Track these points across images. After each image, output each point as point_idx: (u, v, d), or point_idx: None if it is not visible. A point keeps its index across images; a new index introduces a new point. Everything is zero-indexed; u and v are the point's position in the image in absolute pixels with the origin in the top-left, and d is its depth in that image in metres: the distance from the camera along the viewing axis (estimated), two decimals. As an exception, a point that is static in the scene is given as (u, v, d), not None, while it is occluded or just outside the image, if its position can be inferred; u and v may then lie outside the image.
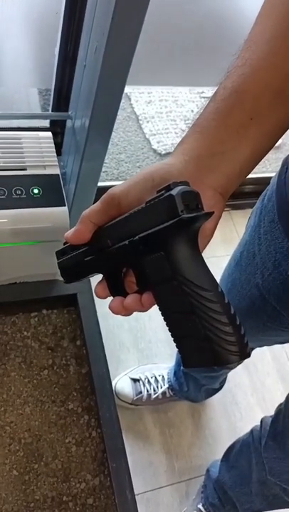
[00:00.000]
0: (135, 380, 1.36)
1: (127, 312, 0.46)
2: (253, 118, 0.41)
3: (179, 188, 0.38)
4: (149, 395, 1.33)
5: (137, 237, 0.42)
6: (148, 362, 1.43)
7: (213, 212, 0.41)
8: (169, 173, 0.42)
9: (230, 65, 0.43)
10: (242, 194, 1.76)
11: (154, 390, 1.33)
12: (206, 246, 0.45)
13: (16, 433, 1.00)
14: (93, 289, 0.51)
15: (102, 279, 0.49)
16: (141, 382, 1.35)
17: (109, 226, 0.45)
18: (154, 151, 1.84)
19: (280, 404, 0.92)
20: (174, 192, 0.38)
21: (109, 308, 0.47)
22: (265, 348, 0.93)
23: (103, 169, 1.05)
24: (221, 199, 0.43)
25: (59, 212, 0.91)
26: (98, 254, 0.47)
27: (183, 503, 1.26)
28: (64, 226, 0.91)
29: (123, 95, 0.89)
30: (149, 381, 1.35)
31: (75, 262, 0.50)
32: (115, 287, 0.48)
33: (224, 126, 0.42)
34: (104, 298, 0.49)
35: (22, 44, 1.28)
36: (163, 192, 0.39)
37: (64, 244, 0.52)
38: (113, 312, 0.47)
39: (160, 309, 0.43)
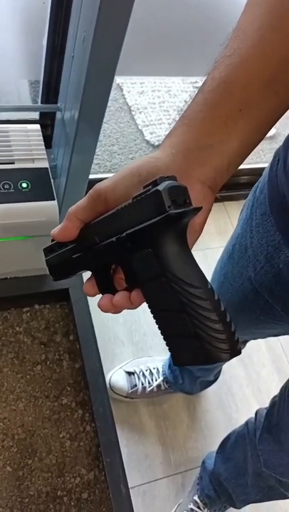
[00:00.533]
0: (130, 373, 1.35)
1: (116, 310, 0.45)
2: (242, 109, 0.40)
3: (166, 183, 0.37)
4: (144, 388, 1.33)
5: (124, 233, 0.41)
6: (143, 355, 1.43)
7: (201, 208, 0.40)
8: (156, 167, 0.41)
9: (218, 55, 0.42)
10: (237, 185, 1.75)
11: (149, 383, 1.33)
12: (195, 241, 0.44)
13: (10, 429, 1.00)
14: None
15: (91, 276, 0.48)
16: (136, 375, 1.35)
17: (96, 223, 0.44)
18: (147, 142, 1.82)
19: (275, 397, 0.92)
20: (160, 187, 0.37)
21: (98, 306, 0.46)
22: (260, 339, 0.92)
23: (96, 161, 1.03)
24: (209, 193, 0.42)
25: (48, 207, 0.90)
26: (86, 252, 0.46)
27: (179, 494, 1.26)
28: (54, 220, 0.89)
29: (115, 86, 0.87)
30: (143, 374, 1.35)
31: (63, 259, 0.49)
32: (104, 284, 0.47)
33: (212, 118, 0.41)
34: (94, 295, 0.48)
35: (10, 35, 1.26)
36: (150, 187, 0.38)
37: (52, 241, 0.50)
38: (102, 310, 0.46)
39: (149, 307, 0.42)
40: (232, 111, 0.40)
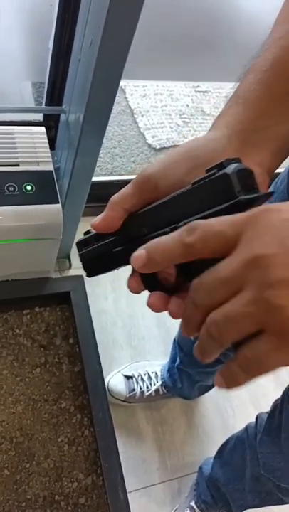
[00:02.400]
0: (128, 377, 1.35)
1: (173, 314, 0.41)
2: None
3: (234, 165, 0.34)
4: (142, 392, 1.32)
5: (182, 222, 0.36)
6: (141, 359, 1.43)
7: (272, 193, 0.38)
8: (213, 149, 0.39)
9: (266, 40, 0.42)
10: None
11: (147, 387, 1.33)
12: None
13: (8, 432, 0.99)
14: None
15: (134, 271, 0.43)
16: (134, 379, 1.34)
17: (145, 212, 0.40)
18: (149, 145, 1.82)
19: (277, 400, 0.92)
20: (228, 170, 0.34)
21: (149, 305, 0.41)
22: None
23: (97, 164, 1.03)
24: (266, 177, 0.40)
25: (52, 210, 0.89)
26: (130, 245, 0.41)
27: (175, 500, 1.26)
28: (57, 223, 0.89)
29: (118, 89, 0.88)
30: (142, 378, 1.35)
31: (101, 253, 0.45)
32: (150, 280, 0.42)
33: (268, 98, 0.40)
34: (139, 292, 0.43)
35: (16, 36, 1.26)
36: (214, 171, 0.34)
37: (85, 234, 0.47)
38: (153, 310, 0.41)
39: None
40: (287, 90, 0.40)
